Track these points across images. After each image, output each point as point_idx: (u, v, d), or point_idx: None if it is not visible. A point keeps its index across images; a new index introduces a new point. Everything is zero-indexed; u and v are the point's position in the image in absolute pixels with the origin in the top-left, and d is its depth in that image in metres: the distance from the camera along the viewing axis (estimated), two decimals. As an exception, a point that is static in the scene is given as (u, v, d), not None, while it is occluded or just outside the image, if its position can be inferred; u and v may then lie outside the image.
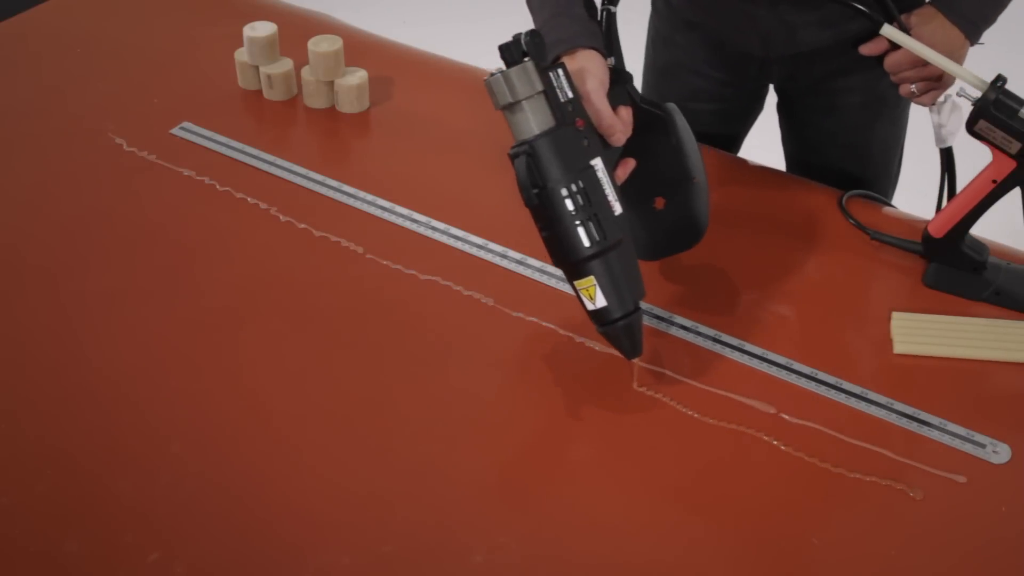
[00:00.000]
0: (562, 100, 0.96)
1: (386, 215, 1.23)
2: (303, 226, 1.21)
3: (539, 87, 0.94)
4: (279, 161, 1.31)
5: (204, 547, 0.89)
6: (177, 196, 1.26)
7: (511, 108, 0.95)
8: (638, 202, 1.06)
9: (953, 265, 1.13)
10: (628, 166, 1.02)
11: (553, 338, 1.08)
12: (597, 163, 0.97)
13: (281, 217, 1.22)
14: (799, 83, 1.38)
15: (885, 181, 1.46)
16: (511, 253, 1.18)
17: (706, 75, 1.41)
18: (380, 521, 0.91)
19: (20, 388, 1.03)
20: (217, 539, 0.90)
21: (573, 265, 0.96)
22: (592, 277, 0.96)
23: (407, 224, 1.22)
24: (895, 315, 1.10)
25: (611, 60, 1.04)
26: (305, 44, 1.38)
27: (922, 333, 1.08)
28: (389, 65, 1.47)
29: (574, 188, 0.94)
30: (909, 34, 1.17)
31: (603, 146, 0.99)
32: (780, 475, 0.95)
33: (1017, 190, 1.08)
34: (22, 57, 1.52)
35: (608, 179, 0.97)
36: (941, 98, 1.21)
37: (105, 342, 1.08)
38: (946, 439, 0.98)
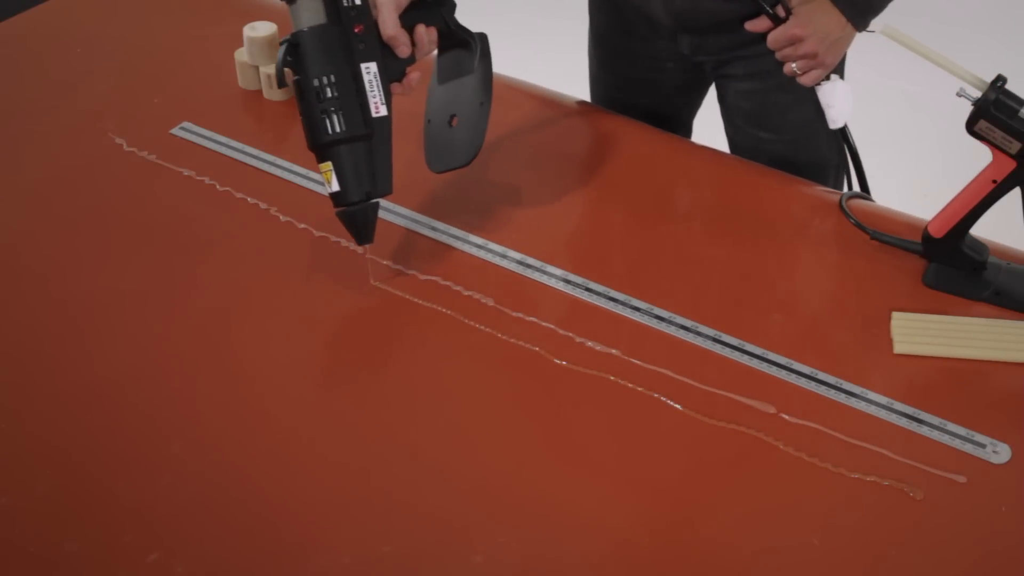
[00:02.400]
0: (345, 5, 1.06)
1: (386, 216, 1.23)
2: (303, 226, 1.21)
3: None
4: (279, 161, 1.31)
5: (204, 547, 0.89)
6: (177, 196, 1.26)
7: (290, 2, 1.06)
8: (440, 116, 1.20)
9: (953, 265, 1.13)
10: (411, 78, 1.12)
11: (541, 331, 1.08)
12: (369, 67, 1.08)
13: (281, 217, 1.22)
14: (712, 59, 1.41)
15: (820, 166, 1.45)
16: (511, 253, 1.18)
17: (633, 42, 1.45)
18: (380, 521, 0.91)
19: (19, 388, 1.03)
20: (217, 539, 0.90)
21: (315, 148, 1.07)
22: (330, 163, 1.07)
23: (407, 224, 1.22)
24: (895, 315, 1.10)
25: None
26: (305, 44, 1.38)
27: (922, 333, 1.08)
28: (389, 65, 1.47)
29: (326, 81, 1.05)
30: (790, 13, 1.19)
31: (390, 56, 1.10)
32: (780, 475, 0.95)
33: (1017, 190, 1.08)
34: (22, 57, 1.52)
35: (379, 83, 1.08)
36: (829, 79, 1.22)
37: (104, 342, 1.08)
38: (946, 439, 0.98)
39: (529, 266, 1.16)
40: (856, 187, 1.33)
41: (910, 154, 2.68)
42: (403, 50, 1.10)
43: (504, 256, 1.17)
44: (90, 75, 1.47)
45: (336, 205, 1.09)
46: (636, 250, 1.20)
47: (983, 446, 0.97)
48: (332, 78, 1.05)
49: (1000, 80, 1.05)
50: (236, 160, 1.31)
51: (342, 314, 1.12)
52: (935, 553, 0.90)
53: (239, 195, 1.25)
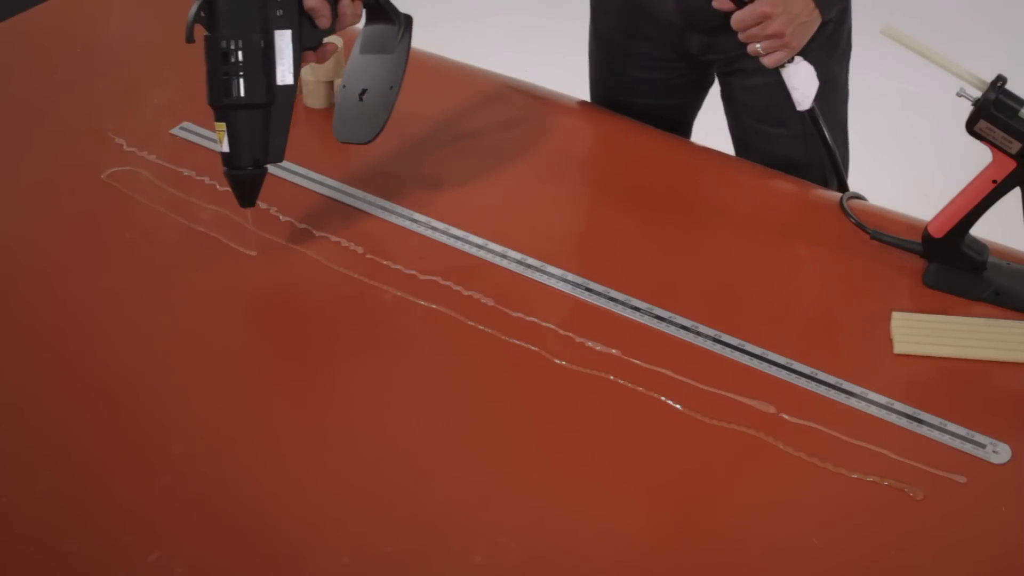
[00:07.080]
0: None
1: (386, 215, 1.23)
2: (303, 226, 1.21)
3: None
4: (279, 161, 1.31)
5: (204, 547, 0.89)
6: (177, 196, 1.26)
7: None
8: (353, 86, 1.22)
9: (953, 265, 1.13)
10: (326, 49, 1.14)
11: (541, 331, 1.08)
12: (284, 34, 1.09)
13: (281, 217, 1.22)
14: (722, 57, 1.40)
15: (820, 164, 1.45)
16: (511, 253, 1.17)
17: (638, 43, 1.45)
18: (380, 521, 0.91)
19: (19, 388, 1.03)
20: (217, 539, 0.90)
21: (214, 108, 1.09)
22: (225, 124, 1.08)
23: (407, 224, 1.22)
24: (895, 315, 1.10)
25: None
26: (305, 44, 1.38)
27: (922, 333, 1.08)
28: (389, 65, 1.47)
29: (235, 45, 1.06)
30: None
31: (309, 25, 1.11)
32: (780, 475, 0.95)
33: (1017, 190, 1.08)
34: (22, 57, 1.52)
35: (291, 52, 1.09)
36: (793, 60, 1.22)
37: (104, 342, 1.08)
38: (946, 439, 0.98)
39: (529, 266, 1.16)
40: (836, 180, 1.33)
41: (910, 154, 2.68)
42: (323, 21, 1.11)
43: (504, 256, 1.17)
44: (90, 75, 1.47)
45: (224, 165, 1.11)
46: (636, 250, 1.20)
47: (983, 446, 0.97)
48: (241, 43, 1.06)
49: (1000, 80, 1.05)
50: (236, 160, 1.31)
51: (342, 315, 1.12)
52: (935, 553, 0.90)
53: (239, 195, 1.25)
